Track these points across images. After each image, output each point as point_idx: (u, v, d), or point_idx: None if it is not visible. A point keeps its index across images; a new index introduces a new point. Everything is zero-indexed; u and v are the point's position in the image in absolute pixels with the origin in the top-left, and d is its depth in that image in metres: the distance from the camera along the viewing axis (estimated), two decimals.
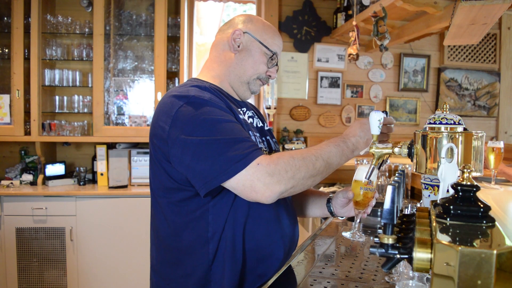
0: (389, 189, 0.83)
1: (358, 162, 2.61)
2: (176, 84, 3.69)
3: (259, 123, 1.51)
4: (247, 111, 1.45)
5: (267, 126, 1.56)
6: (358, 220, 1.41)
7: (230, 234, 1.28)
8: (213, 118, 1.19)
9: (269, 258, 1.35)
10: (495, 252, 0.65)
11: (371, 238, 1.86)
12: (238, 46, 1.39)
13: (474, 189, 0.80)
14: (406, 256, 0.78)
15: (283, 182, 1.14)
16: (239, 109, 1.39)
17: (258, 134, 1.41)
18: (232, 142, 1.16)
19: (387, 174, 2.63)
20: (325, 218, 2.18)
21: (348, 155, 1.29)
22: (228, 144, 1.15)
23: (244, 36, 1.40)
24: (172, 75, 3.74)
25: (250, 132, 1.33)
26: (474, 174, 1.12)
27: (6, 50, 3.54)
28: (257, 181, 1.12)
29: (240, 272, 1.29)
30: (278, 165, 1.14)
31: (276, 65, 1.46)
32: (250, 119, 1.44)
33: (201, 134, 1.17)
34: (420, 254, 0.73)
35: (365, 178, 1.31)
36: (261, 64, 1.41)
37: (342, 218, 2.05)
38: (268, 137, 1.50)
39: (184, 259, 1.31)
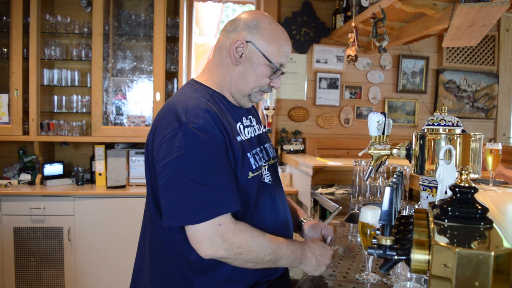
0: (387, 190, 0.83)
1: (357, 163, 2.60)
2: (175, 85, 3.69)
3: (258, 129, 1.48)
4: (246, 120, 1.42)
5: (264, 128, 1.55)
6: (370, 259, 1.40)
7: None
8: (196, 155, 1.15)
9: None
10: (492, 253, 0.65)
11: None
12: (240, 57, 1.31)
13: (472, 191, 0.80)
14: (404, 257, 0.78)
15: (228, 252, 1.15)
16: (239, 123, 1.36)
17: (258, 149, 1.39)
18: (203, 189, 1.13)
19: (385, 175, 2.63)
20: (324, 219, 2.18)
21: (294, 264, 1.29)
22: (204, 188, 1.13)
23: (247, 46, 1.30)
24: (171, 75, 3.74)
25: (248, 154, 1.31)
26: (472, 176, 1.12)
27: (5, 50, 3.53)
28: (207, 238, 1.12)
29: None
30: (236, 236, 1.14)
31: (282, 73, 1.38)
32: (248, 130, 1.40)
33: (181, 169, 1.14)
34: (418, 256, 0.74)
35: (363, 178, 1.30)
36: (263, 77, 1.33)
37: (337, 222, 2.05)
38: (266, 145, 1.48)
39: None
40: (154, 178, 1.25)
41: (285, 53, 1.34)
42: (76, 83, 3.67)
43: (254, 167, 1.31)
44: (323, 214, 3.11)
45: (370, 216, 1.25)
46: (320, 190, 3.02)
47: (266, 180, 1.37)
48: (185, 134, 1.16)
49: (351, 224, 2.19)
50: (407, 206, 1.82)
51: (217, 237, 1.12)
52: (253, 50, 1.30)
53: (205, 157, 1.15)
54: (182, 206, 1.13)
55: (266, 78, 1.33)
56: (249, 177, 1.28)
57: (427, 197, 1.24)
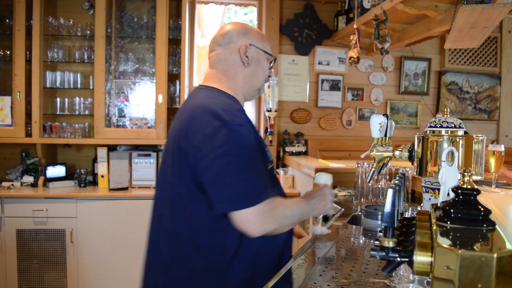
0: (390, 192, 0.83)
1: (359, 165, 2.60)
2: (177, 87, 3.70)
3: None
4: None
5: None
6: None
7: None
8: (243, 149, 1.29)
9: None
10: (495, 255, 0.65)
11: (371, 241, 1.86)
12: (248, 58, 1.50)
13: (475, 192, 0.80)
14: (407, 259, 0.78)
15: (275, 225, 1.31)
16: None
17: (266, 148, 1.50)
18: (253, 176, 1.28)
19: (387, 177, 2.63)
20: (326, 221, 2.18)
21: (309, 214, 1.51)
22: (252, 176, 1.28)
23: (251, 48, 1.51)
24: (173, 77, 3.75)
25: (266, 148, 1.47)
26: (474, 177, 1.12)
27: (8, 52, 3.54)
28: (259, 218, 1.26)
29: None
30: (278, 210, 1.31)
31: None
32: None
33: (230, 161, 1.26)
34: (421, 258, 0.73)
35: (366, 180, 1.31)
36: (267, 69, 1.58)
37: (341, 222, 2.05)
38: (266, 148, 1.54)
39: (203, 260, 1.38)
40: (188, 174, 1.33)
41: (271, 45, 1.61)
42: (79, 85, 3.68)
43: (270, 159, 1.49)
44: (325, 215, 3.11)
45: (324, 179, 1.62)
46: None
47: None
48: (229, 130, 1.29)
49: (354, 226, 2.18)
50: (410, 208, 1.81)
51: (266, 215, 1.27)
52: (256, 50, 1.52)
53: (248, 149, 1.30)
54: (237, 193, 1.25)
55: (268, 69, 1.59)
56: (268, 167, 1.44)
57: (429, 199, 1.24)
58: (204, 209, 1.33)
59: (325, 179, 1.63)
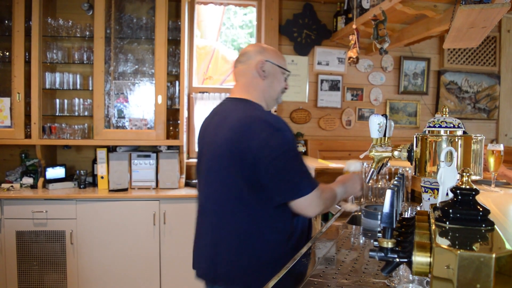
0: (388, 193, 0.83)
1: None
2: (177, 88, 3.70)
3: None
4: None
5: None
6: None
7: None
8: (294, 148, 1.60)
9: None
10: (494, 256, 0.65)
11: (371, 241, 1.86)
12: (264, 72, 1.75)
13: (473, 192, 0.80)
14: (406, 259, 0.78)
15: (324, 206, 1.64)
16: None
17: None
18: (304, 169, 1.59)
19: (387, 177, 2.63)
20: (326, 221, 2.18)
21: (343, 197, 1.86)
22: (302, 170, 1.58)
23: (266, 63, 1.76)
24: (172, 78, 3.75)
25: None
26: (473, 177, 1.12)
27: (7, 53, 3.54)
28: (314, 202, 1.58)
29: None
30: (325, 193, 1.64)
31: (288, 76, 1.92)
32: None
33: (288, 159, 1.55)
34: (419, 258, 0.73)
35: (365, 181, 1.31)
36: (282, 82, 1.82)
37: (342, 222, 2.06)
38: None
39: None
40: (247, 174, 1.57)
41: (286, 61, 1.87)
42: (78, 87, 3.68)
43: None
44: (325, 216, 3.11)
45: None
46: None
47: None
48: (282, 135, 1.58)
49: (353, 226, 2.18)
50: (409, 208, 1.82)
51: (318, 199, 1.58)
52: (271, 65, 1.78)
53: (295, 149, 1.61)
54: (296, 185, 1.55)
55: (283, 82, 1.83)
56: None
57: (428, 198, 1.24)
58: (264, 201, 1.59)
59: (355, 166, 2.01)
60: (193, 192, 3.49)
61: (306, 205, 1.57)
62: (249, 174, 1.57)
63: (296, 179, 1.56)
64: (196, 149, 3.91)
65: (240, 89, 1.79)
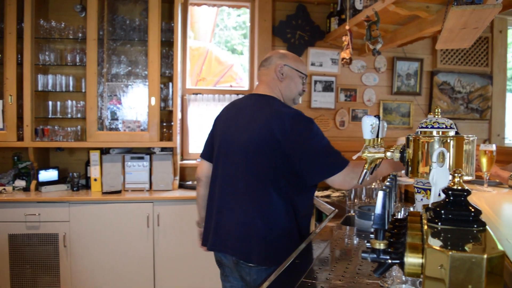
0: (380, 194, 0.83)
1: None
2: (170, 90, 3.69)
3: None
4: None
5: None
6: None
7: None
8: (322, 134, 1.82)
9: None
10: (485, 256, 0.65)
11: (365, 241, 1.86)
12: (282, 75, 1.98)
13: (465, 193, 0.80)
14: (398, 261, 0.78)
15: (356, 179, 1.75)
16: None
17: None
18: (334, 150, 1.81)
19: (380, 177, 2.64)
20: (320, 222, 2.19)
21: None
22: (333, 151, 1.80)
23: (284, 67, 1.99)
24: (166, 80, 3.74)
25: None
26: (465, 178, 1.12)
27: None
28: (348, 177, 1.77)
29: None
30: (356, 167, 1.77)
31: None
32: None
33: (321, 144, 1.79)
34: (411, 259, 0.73)
35: (358, 183, 1.31)
36: (299, 84, 2.03)
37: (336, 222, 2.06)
38: None
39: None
40: (282, 160, 1.80)
41: (305, 67, 2.10)
42: (71, 89, 3.65)
43: None
44: (319, 217, 3.11)
45: None
46: (316, 193, 3.02)
47: None
48: (314, 125, 1.83)
49: (347, 227, 2.19)
50: (403, 209, 1.83)
51: (351, 174, 1.76)
52: (289, 69, 2.00)
53: (324, 136, 1.83)
54: (332, 163, 1.78)
55: (300, 84, 2.04)
56: None
57: (421, 199, 1.24)
58: (297, 181, 1.82)
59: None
60: (187, 193, 3.48)
61: (341, 179, 1.77)
62: (286, 160, 1.80)
63: (330, 160, 1.78)
64: (198, 146, 3.95)
65: (263, 87, 2.01)
